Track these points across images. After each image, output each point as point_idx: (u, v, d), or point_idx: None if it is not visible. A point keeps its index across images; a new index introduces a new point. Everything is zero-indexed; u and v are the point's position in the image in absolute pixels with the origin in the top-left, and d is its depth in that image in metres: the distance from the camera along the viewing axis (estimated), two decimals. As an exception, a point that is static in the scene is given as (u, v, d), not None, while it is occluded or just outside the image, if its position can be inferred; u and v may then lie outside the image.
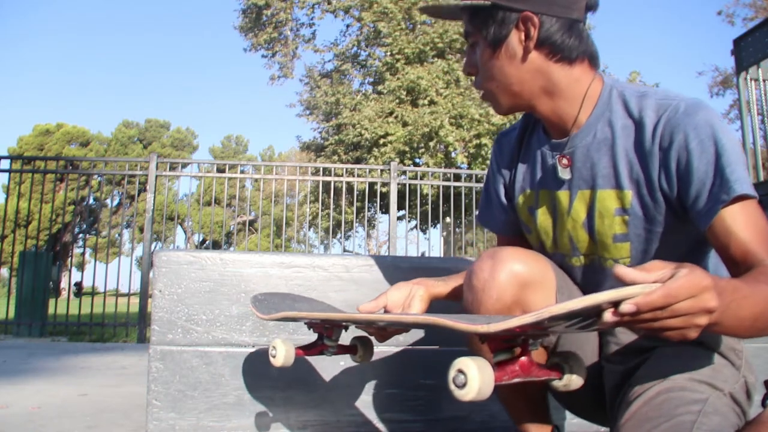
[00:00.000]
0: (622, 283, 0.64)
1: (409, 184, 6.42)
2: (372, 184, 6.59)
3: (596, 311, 0.63)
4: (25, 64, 67.42)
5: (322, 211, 7.11)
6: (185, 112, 73.26)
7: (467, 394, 0.66)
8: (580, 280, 1.10)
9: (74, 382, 2.53)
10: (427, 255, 9.43)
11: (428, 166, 11.97)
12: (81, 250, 18.69)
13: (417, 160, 13.08)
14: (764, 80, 4.23)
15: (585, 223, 1.03)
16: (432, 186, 7.72)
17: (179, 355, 1.46)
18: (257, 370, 1.49)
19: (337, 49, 15.05)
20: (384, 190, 6.77)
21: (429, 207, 7.75)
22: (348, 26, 15.10)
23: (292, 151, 36.29)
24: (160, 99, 71.62)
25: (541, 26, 0.96)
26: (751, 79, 4.29)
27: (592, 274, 1.08)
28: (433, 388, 1.54)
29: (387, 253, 8.27)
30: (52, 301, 5.89)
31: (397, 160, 11.86)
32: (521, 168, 1.14)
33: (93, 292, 6.04)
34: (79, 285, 8.79)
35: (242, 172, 7.31)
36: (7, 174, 5.99)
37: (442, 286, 1.15)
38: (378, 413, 1.52)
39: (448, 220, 12.53)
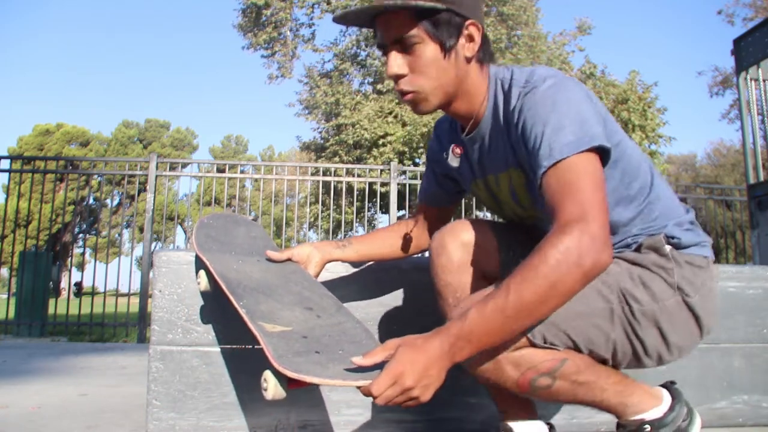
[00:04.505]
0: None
1: (409, 184, 6.42)
2: (372, 184, 6.59)
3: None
4: (25, 63, 67.46)
5: (322, 212, 7.10)
6: (185, 112, 73.42)
7: (267, 396, 0.92)
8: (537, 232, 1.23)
9: (74, 382, 2.53)
10: (427, 255, 9.41)
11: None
12: (81, 250, 18.70)
13: (416, 160, 13.07)
14: (764, 80, 4.22)
15: (512, 198, 1.19)
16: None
17: (179, 355, 1.46)
18: (257, 370, 1.48)
19: (336, 49, 15.03)
20: (384, 190, 6.76)
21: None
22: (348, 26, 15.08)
23: (292, 151, 36.29)
24: (160, 99, 71.75)
25: (481, 33, 1.09)
26: (751, 79, 4.27)
27: (542, 227, 1.20)
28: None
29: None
30: (52, 301, 5.88)
31: (396, 160, 11.85)
32: (460, 158, 1.26)
33: (93, 292, 6.03)
34: (79, 285, 8.80)
35: (242, 172, 7.30)
36: (7, 174, 5.99)
37: (339, 252, 1.35)
38: (378, 413, 1.52)
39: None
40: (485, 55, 1.13)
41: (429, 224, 1.42)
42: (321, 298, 1.23)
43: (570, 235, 0.88)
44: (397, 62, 1.09)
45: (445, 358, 0.88)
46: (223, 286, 1.17)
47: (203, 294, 1.35)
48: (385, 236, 1.42)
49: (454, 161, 1.22)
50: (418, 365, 0.86)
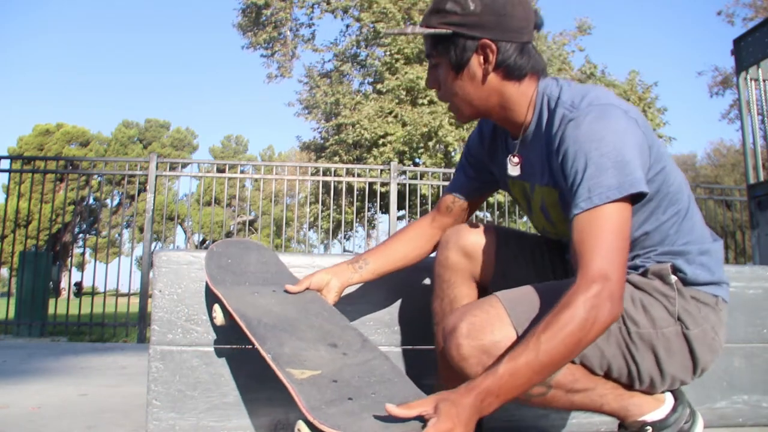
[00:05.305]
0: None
1: (409, 184, 6.42)
2: (372, 184, 6.59)
3: None
4: (25, 63, 67.49)
5: (322, 212, 7.10)
6: (185, 112, 73.38)
7: None
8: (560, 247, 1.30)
9: (74, 382, 2.53)
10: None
11: (427, 166, 11.96)
12: (81, 250, 18.70)
13: (416, 160, 13.08)
14: (764, 80, 4.21)
15: (542, 212, 1.22)
16: (431, 186, 7.72)
17: (179, 355, 1.46)
18: (257, 370, 1.48)
19: (336, 49, 15.04)
20: (384, 190, 6.77)
21: (429, 207, 7.75)
22: (348, 26, 15.09)
23: (292, 151, 36.30)
24: (160, 99, 71.76)
25: (498, 51, 1.10)
26: (751, 79, 4.27)
27: (566, 246, 1.22)
28: (433, 388, 1.53)
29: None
30: (52, 301, 5.88)
31: (396, 160, 11.85)
32: (499, 156, 1.29)
33: (93, 292, 6.04)
34: (79, 285, 8.80)
35: (242, 172, 7.31)
36: (7, 174, 5.99)
37: (357, 276, 1.37)
38: (378, 413, 1.52)
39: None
40: (519, 70, 1.12)
41: (452, 218, 1.41)
42: (343, 330, 1.23)
43: (594, 294, 0.93)
44: (428, 77, 1.20)
45: (477, 413, 0.91)
46: (244, 327, 1.17)
47: (220, 327, 1.33)
48: (398, 247, 1.40)
49: (515, 171, 1.22)
50: (463, 420, 0.89)
